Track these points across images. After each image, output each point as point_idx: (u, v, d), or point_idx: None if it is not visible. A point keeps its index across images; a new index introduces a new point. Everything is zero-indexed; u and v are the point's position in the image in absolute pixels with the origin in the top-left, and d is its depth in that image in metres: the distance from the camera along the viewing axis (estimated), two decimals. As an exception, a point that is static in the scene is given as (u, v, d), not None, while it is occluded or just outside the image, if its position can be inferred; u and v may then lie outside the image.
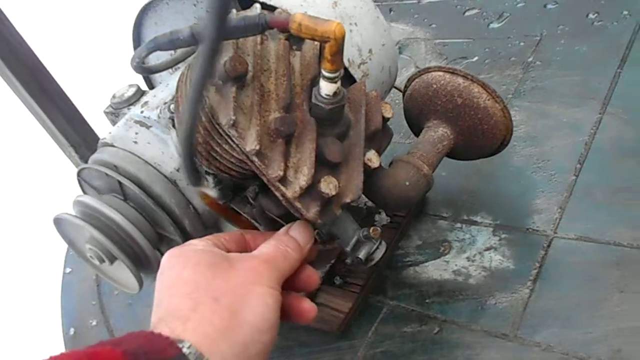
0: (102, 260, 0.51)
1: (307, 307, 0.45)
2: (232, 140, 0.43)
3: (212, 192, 0.49)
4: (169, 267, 0.42)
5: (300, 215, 0.44)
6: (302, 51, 0.48)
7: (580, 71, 0.75)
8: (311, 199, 0.44)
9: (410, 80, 0.61)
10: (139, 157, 0.52)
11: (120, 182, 0.51)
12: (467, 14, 0.96)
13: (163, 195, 0.51)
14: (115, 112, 0.59)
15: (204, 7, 0.58)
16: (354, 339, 0.60)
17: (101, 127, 0.73)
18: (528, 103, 0.75)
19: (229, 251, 0.44)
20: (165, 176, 0.52)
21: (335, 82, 0.43)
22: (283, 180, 0.43)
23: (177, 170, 0.52)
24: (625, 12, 0.79)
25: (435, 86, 0.57)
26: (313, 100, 0.45)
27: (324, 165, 0.45)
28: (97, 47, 2.37)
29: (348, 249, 0.48)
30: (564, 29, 0.83)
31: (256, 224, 0.52)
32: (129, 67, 0.53)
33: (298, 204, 0.44)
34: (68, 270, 0.92)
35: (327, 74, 0.42)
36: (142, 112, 0.54)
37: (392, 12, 1.06)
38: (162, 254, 0.55)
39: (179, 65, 0.55)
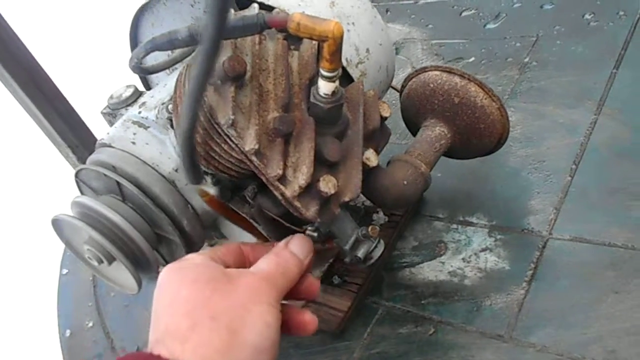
0: (100, 261, 0.51)
1: (308, 319, 0.44)
2: (231, 140, 0.43)
3: (212, 190, 0.49)
4: (167, 283, 0.41)
5: (299, 215, 0.44)
6: (300, 51, 0.48)
7: (576, 72, 0.75)
8: (310, 198, 0.44)
9: (407, 79, 0.61)
10: (137, 157, 0.52)
11: (118, 183, 0.51)
12: (463, 14, 0.96)
13: (161, 195, 0.51)
14: (112, 113, 0.59)
15: (201, 8, 0.58)
16: (349, 340, 0.60)
17: (99, 128, 0.73)
18: (524, 104, 0.75)
19: (227, 266, 0.43)
20: (164, 176, 0.52)
21: (334, 81, 0.43)
22: (282, 179, 0.44)
23: (176, 171, 0.52)
24: (621, 13, 0.80)
25: (432, 85, 0.57)
26: (311, 99, 0.45)
27: (322, 164, 0.45)
28: (94, 48, 2.36)
29: (347, 247, 0.48)
30: (560, 29, 0.83)
31: (255, 224, 0.52)
32: (126, 67, 0.53)
33: (297, 203, 0.44)
34: (65, 271, 0.92)
35: (325, 73, 0.43)
36: (139, 112, 0.53)
37: (388, 13, 1.06)
38: (161, 255, 0.56)
39: (177, 65, 0.56)
